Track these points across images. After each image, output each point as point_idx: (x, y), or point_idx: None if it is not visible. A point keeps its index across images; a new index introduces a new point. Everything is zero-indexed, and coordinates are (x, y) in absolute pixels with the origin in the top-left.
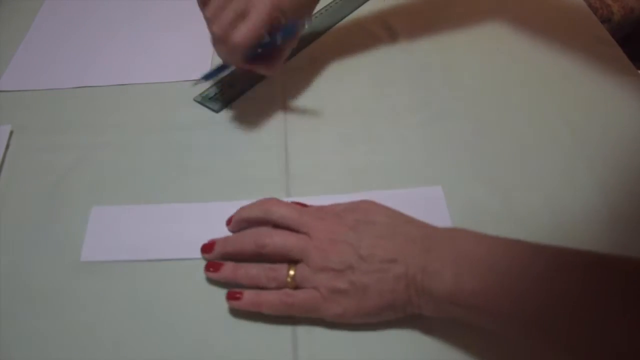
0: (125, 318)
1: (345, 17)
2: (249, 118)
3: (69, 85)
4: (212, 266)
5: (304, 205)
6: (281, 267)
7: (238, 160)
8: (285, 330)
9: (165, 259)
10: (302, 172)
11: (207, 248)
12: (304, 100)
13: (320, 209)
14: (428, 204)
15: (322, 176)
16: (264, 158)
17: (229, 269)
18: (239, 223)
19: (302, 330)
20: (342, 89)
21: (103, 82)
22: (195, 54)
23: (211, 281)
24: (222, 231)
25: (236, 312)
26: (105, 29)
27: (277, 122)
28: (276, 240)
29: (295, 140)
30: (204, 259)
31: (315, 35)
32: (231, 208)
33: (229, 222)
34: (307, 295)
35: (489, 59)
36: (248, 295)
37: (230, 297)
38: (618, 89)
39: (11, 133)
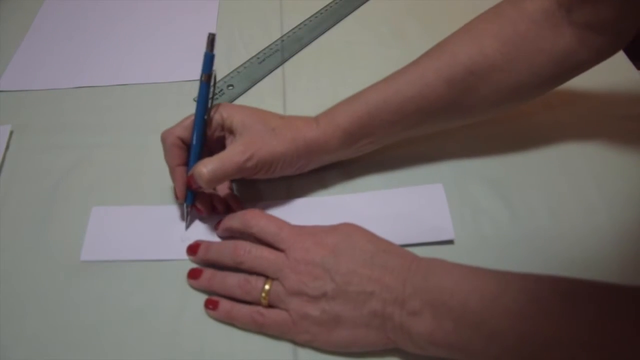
0: (125, 318)
1: (346, 16)
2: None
3: (69, 85)
4: (192, 273)
5: (284, 222)
6: (257, 281)
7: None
8: None
9: (165, 260)
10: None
11: (191, 250)
12: (305, 100)
13: (301, 227)
14: (429, 202)
15: (322, 176)
16: None
17: (206, 277)
18: (223, 232)
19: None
20: (343, 88)
21: (103, 82)
22: (195, 54)
23: None
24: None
25: None
26: (105, 29)
27: None
28: (253, 257)
29: None
30: (190, 260)
31: (316, 35)
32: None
33: (216, 226)
34: (277, 317)
35: None
36: (222, 306)
37: (207, 305)
38: (618, 89)
39: (11, 133)
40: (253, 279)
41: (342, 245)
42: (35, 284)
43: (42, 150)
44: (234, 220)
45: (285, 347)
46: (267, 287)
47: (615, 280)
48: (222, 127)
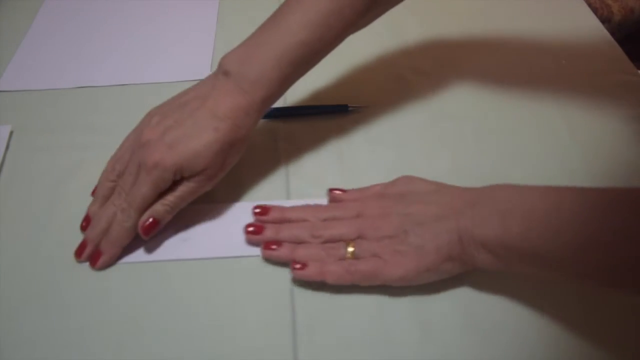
0: (125, 318)
1: None
2: None
3: (69, 85)
4: (267, 245)
5: (342, 191)
6: (339, 245)
7: (237, 161)
8: (285, 331)
9: (165, 260)
10: (301, 172)
11: (257, 230)
12: (305, 100)
13: (361, 191)
14: None
15: (322, 176)
16: (264, 158)
17: (287, 249)
18: (281, 220)
19: (302, 331)
20: (342, 88)
21: (103, 82)
22: (195, 54)
23: (211, 282)
24: (223, 232)
25: (236, 313)
26: (106, 29)
27: (277, 122)
28: (331, 231)
29: (295, 140)
30: (247, 241)
31: None
32: (230, 209)
33: (265, 212)
34: (369, 263)
35: (489, 59)
36: (312, 266)
37: (294, 267)
38: (618, 89)
39: (11, 133)
40: (336, 244)
41: (406, 190)
42: (35, 284)
43: (42, 150)
44: (298, 214)
45: (285, 347)
46: (350, 249)
47: None
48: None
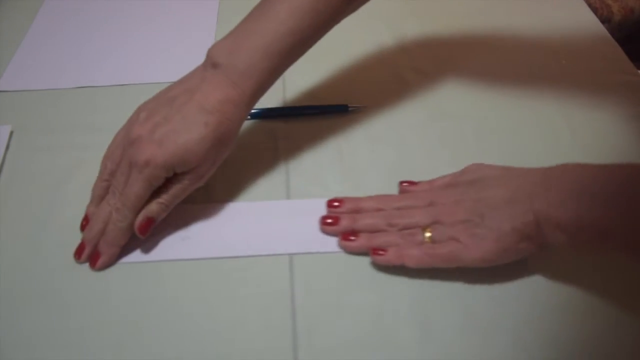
0: (125, 319)
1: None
2: (248, 118)
3: (69, 85)
4: (349, 235)
5: (412, 183)
6: (416, 231)
7: (237, 161)
8: (285, 332)
9: (164, 260)
10: (301, 172)
11: (334, 222)
12: (305, 100)
13: (431, 182)
14: None
15: (322, 176)
16: (264, 158)
17: (364, 239)
18: (356, 210)
19: (302, 332)
20: (342, 88)
21: (103, 82)
22: (195, 54)
23: (211, 283)
24: (225, 232)
25: (236, 314)
26: (106, 29)
27: (276, 122)
28: (407, 218)
29: (295, 140)
30: (325, 224)
31: None
32: (231, 209)
33: (340, 204)
34: (448, 246)
35: (489, 59)
36: (392, 250)
37: (375, 253)
38: (618, 89)
39: (11, 133)
40: (413, 230)
41: (476, 177)
42: (35, 284)
43: (42, 150)
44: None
45: (285, 348)
46: (427, 234)
47: None
48: None
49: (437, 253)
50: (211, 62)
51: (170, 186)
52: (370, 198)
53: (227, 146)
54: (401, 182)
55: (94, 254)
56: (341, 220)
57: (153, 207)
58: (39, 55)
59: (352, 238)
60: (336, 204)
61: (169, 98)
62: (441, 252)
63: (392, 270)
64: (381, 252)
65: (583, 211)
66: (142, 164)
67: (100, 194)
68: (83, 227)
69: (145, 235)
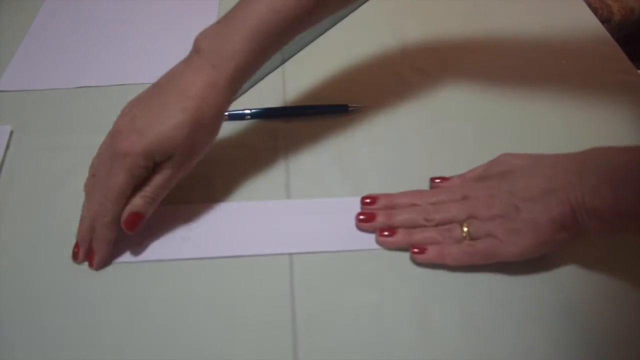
0: (125, 319)
1: (346, 16)
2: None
3: (69, 85)
4: (386, 231)
5: (443, 179)
6: (454, 227)
7: (237, 161)
8: (285, 331)
9: (164, 259)
10: (301, 172)
11: (368, 218)
12: (305, 100)
13: (461, 176)
14: None
15: (322, 176)
16: (264, 158)
17: (402, 235)
18: (390, 206)
19: (302, 331)
20: (342, 88)
21: (103, 82)
22: None
23: (211, 282)
24: (225, 232)
25: (236, 313)
26: (106, 29)
27: (277, 122)
28: (443, 213)
29: (295, 141)
30: (361, 221)
31: (316, 34)
32: (231, 209)
33: (374, 200)
34: (486, 243)
35: (489, 59)
36: (432, 249)
37: (415, 252)
38: (618, 89)
39: (11, 133)
40: (450, 226)
41: (507, 168)
42: (35, 284)
43: (42, 150)
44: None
45: (285, 347)
46: (465, 229)
47: None
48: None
49: (476, 251)
50: (195, 48)
51: (153, 178)
52: (403, 194)
53: (208, 131)
54: (432, 179)
55: (90, 253)
56: (377, 216)
57: (137, 200)
58: (39, 55)
59: (387, 234)
60: (369, 200)
61: (152, 86)
62: (479, 250)
63: (391, 270)
64: (419, 251)
65: (618, 196)
66: (122, 154)
67: (89, 191)
68: None
69: (134, 231)
